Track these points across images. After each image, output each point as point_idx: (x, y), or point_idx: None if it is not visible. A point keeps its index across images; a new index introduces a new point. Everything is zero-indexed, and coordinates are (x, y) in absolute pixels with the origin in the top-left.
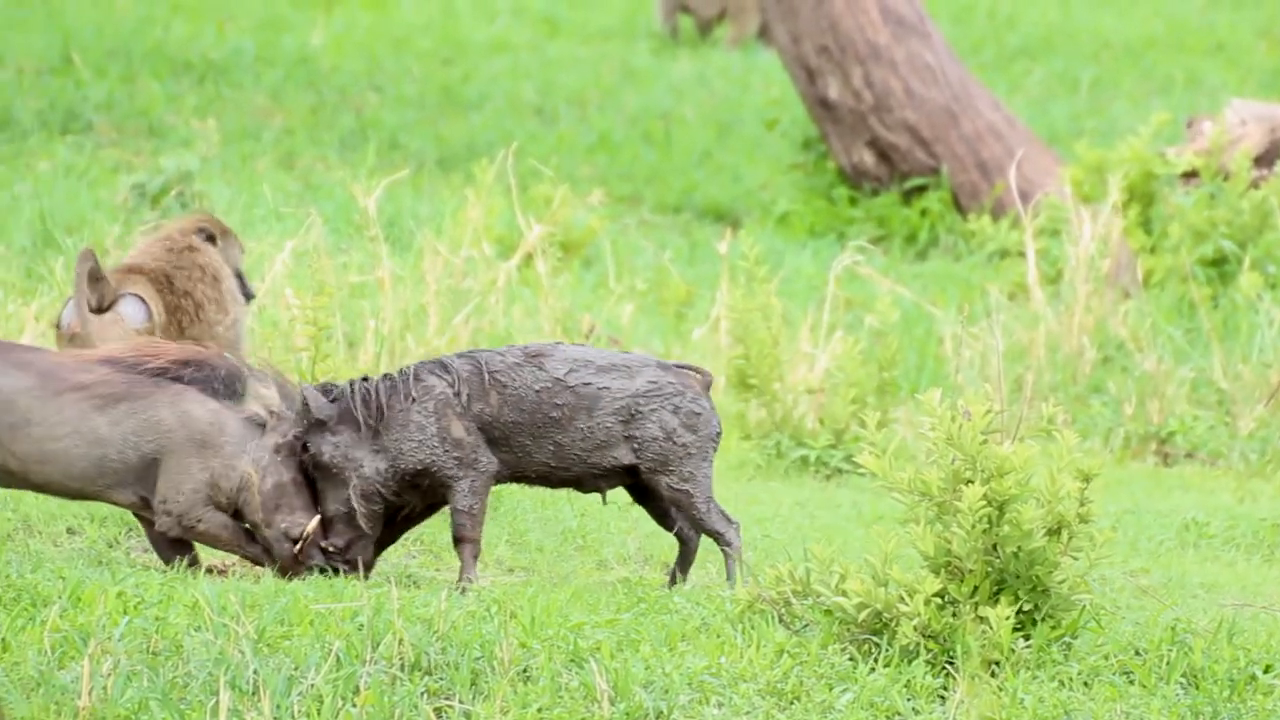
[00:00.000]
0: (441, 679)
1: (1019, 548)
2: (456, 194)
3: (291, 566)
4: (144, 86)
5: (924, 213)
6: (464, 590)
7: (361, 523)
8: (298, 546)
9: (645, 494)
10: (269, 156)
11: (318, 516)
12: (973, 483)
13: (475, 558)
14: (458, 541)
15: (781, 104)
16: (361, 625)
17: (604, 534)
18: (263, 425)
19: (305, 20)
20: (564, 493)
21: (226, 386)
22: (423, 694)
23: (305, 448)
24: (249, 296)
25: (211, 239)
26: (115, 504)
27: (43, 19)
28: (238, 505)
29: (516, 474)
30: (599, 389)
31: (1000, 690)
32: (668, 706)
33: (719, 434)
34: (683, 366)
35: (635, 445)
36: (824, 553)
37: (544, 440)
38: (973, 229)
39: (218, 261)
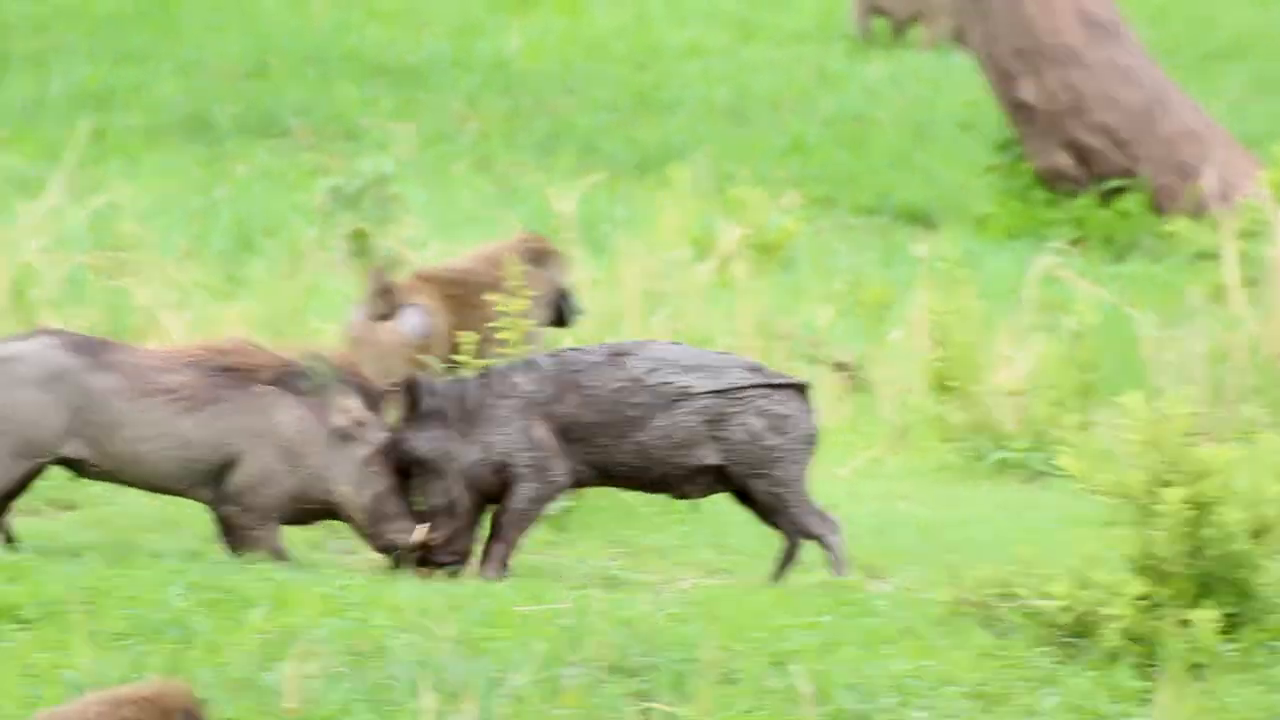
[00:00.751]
0: (644, 681)
1: (1222, 550)
2: (652, 197)
3: (417, 572)
4: (340, 90)
5: (1122, 215)
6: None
7: (461, 514)
8: (410, 553)
9: (744, 496)
10: (465, 160)
11: (424, 525)
12: (1175, 485)
13: (504, 561)
14: (494, 537)
15: (977, 106)
16: (564, 627)
17: None
18: (349, 437)
19: (500, 25)
20: None
21: (313, 392)
22: (625, 696)
23: (399, 444)
24: (565, 319)
25: (533, 257)
26: (197, 500)
27: (240, 24)
28: (325, 513)
29: (603, 474)
30: (679, 387)
31: (1205, 694)
32: (870, 709)
33: (812, 437)
34: (777, 377)
35: (723, 447)
36: (1027, 555)
37: (624, 440)
38: (1171, 231)
39: (527, 280)
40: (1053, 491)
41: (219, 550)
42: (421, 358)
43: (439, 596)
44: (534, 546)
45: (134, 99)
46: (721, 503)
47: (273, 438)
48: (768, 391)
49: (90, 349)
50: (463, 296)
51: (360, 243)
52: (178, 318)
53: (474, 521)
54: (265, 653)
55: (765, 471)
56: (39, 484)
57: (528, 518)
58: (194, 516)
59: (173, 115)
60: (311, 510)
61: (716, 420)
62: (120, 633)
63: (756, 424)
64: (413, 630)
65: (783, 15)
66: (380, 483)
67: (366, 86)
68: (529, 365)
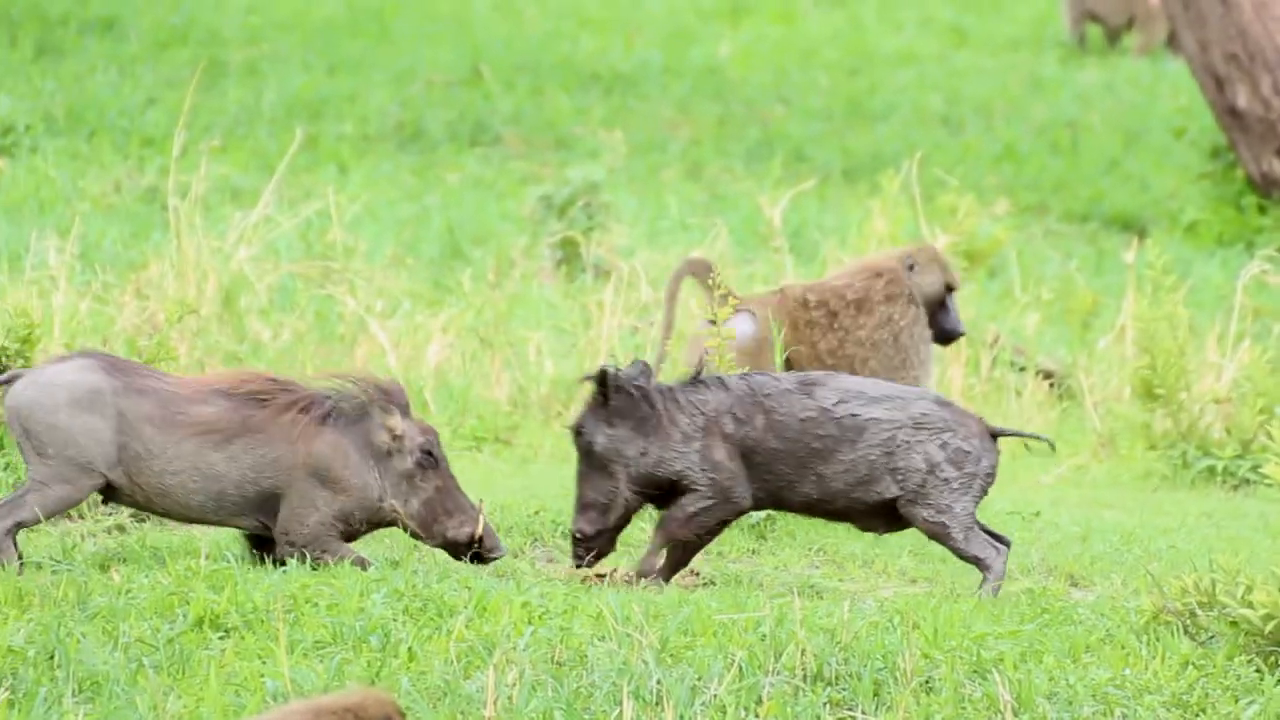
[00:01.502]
0: (844, 689)
1: None
2: (861, 204)
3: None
4: (552, 99)
5: None
6: (640, 578)
7: (615, 516)
8: (472, 544)
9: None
10: (675, 168)
11: (481, 511)
12: None
13: (662, 550)
14: (662, 529)
15: (1190, 112)
16: (764, 635)
17: None
18: (391, 453)
19: (712, 32)
20: None
21: (345, 414)
22: (825, 704)
23: (579, 432)
24: (947, 334)
25: (920, 269)
26: (238, 528)
27: (452, 33)
28: (380, 524)
29: (778, 502)
30: (866, 420)
31: None
32: (1071, 718)
33: (990, 474)
34: (962, 412)
35: (899, 477)
36: (1230, 564)
37: (806, 470)
38: None
39: (909, 293)
40: (1258, 500)
41: (420, 559)
42: (746, 362)
43: (639, 605)
44: (735, 555)
45: (346, 108)
46: None
47: (307, 469)
48: (954, 425)
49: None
50: (824, 311)
51: (569, 251)
52: (386, 326)
53: (623, 525)
54: (465, 661)
55: (933, 500)
56: None
57: (702, 526)
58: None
59: (385, 124)
60: (366, 526)
61: (894, 451)
62: (321, 641)
63: (938, 455)
64: (613, 638)
65: (996, 22)
66: (428, 489)
67: (577, 95)
68: (720, 384)
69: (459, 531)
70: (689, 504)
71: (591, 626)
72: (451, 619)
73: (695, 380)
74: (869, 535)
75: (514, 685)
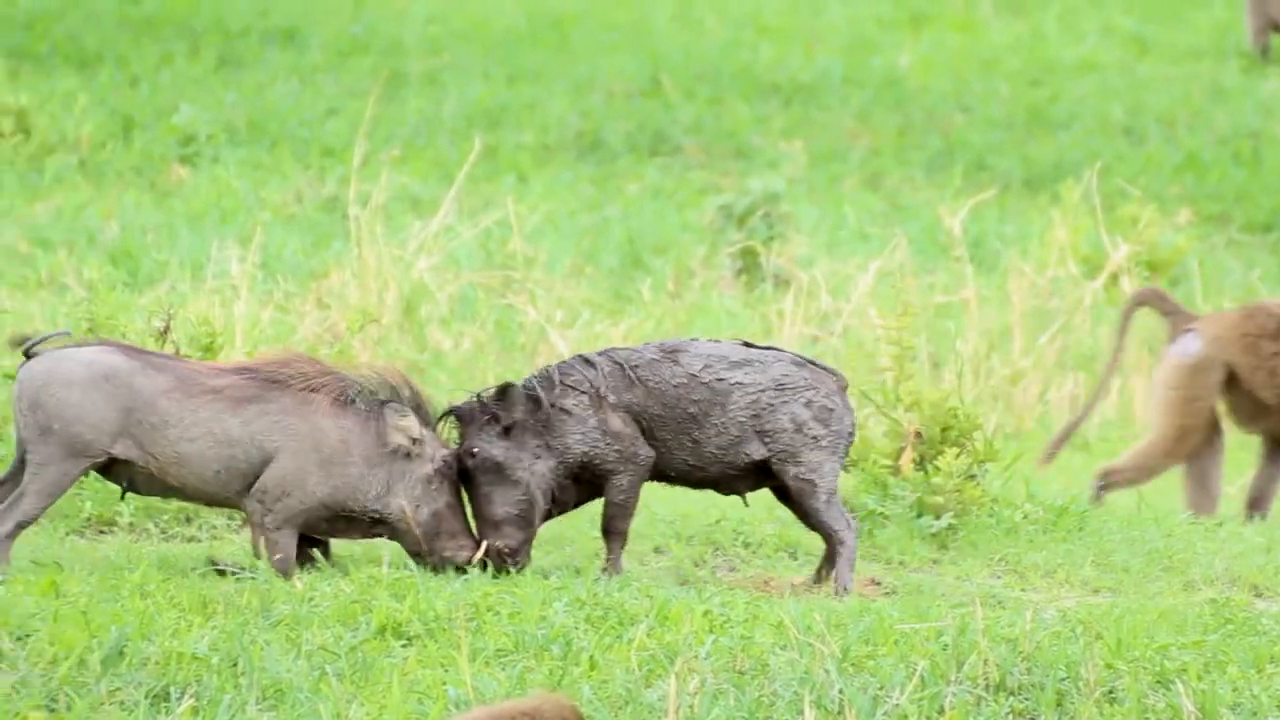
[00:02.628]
0: (1026, 699)
1: None
2: (1042, 214)
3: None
4: (731, 108)
5: None
6: (609, 578)
7: (535, 521)
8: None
9: (786, 494)
10: (855, 177)
11: (484, 544)
12: None
13: (622, 549)
14: (607, 533)
15: None
16: (946, 645)
17: (1190, 554)
18: (409, 455)
19: (893, 41)
20: (1149, 513)
21: (362, 402)
22: (1008, 714)
23: (473, 453)
24: None
25: None
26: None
27: (632, 43)
28: (380, 523)
29: (657, 472)
30: (732, 384)
31: None
32: None
33: (851, 434)
34: (818, 366)
35: (766, 438)
36: None
37: (683, 437)
38: None
39: None
40: None
41: (594, 566)
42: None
43: (820, 613)
44: (917, 564)
45: (526, 118)
46: (1106, 520)
47: (310, 443)
48: (815, 384)
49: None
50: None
51: (749, 260)
52: (565, 335)
53: (538, 528)
54: (647, 669)
55: (803, 458)
56: None
57: (629, 506)
58: (579, 533)
59: (564, 134)
60: (348, 522)
61: (760, 413)
62: (504, 649)
63: (803, 414)
64: (794, 647)
65: (1178, 32)
66: (439, 501)
67: (757, 104)
68: (585, 362)
69: (457, 553)
70: (614, 494)
71: (773, 635)
72: (633, 627)
73: (563, 365)
74: (1051, 545)
75: (695, 694)
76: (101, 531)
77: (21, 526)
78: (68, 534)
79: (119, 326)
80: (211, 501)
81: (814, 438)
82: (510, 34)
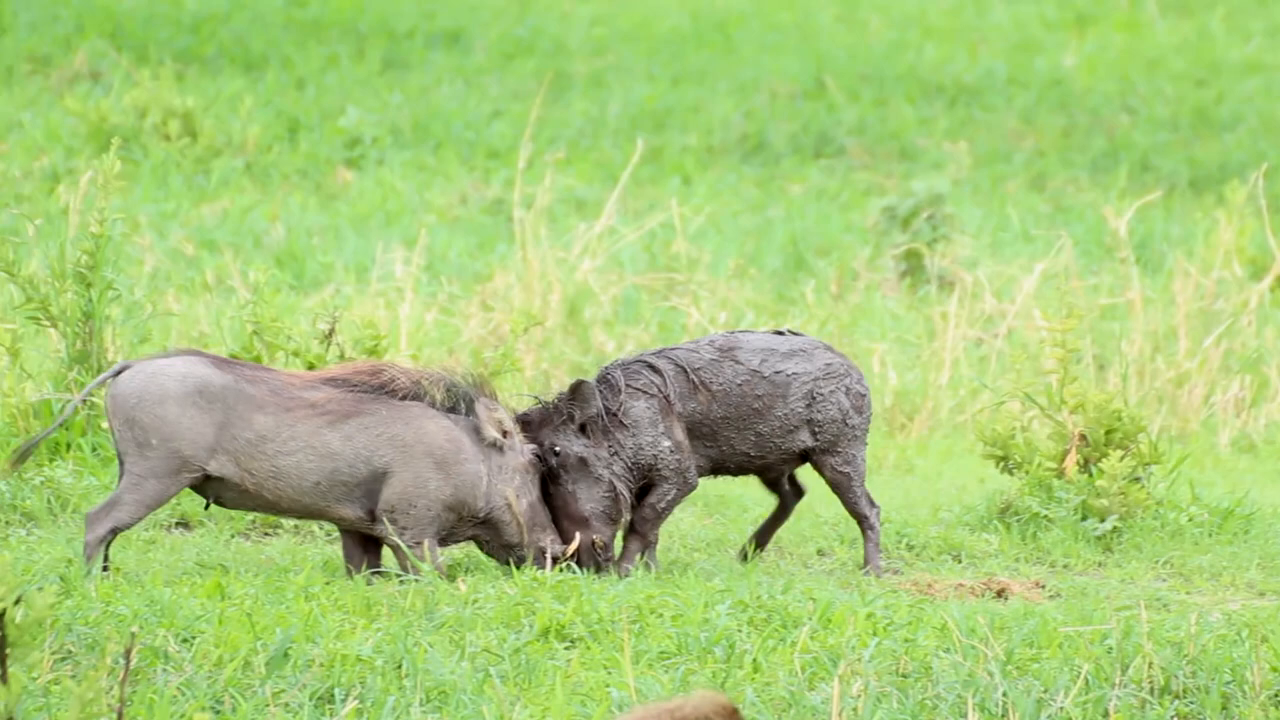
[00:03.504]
0: (1191, 703)
1: None
2: (1207, 215)
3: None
4: (895, 110)
5: None
6: (622, 576)
7: (618, 516)
8: (559, 562)
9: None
10: (1019, 179)
11: (579, 535)
12: None
13: (640, 554)
14: (632, 534)
15: None
16: (1110, 648)
17: None
18: (500, 448)
19: (1057, 42)
20: None
21: (451, 404)
22: (1172, 718)
23: (555, 451)
24: None
25: None
26: (338, 520)
27: (796, 44)
28: (484, 522)
29: (718, 468)
30: (789, 375)
31: None
32: None
33: (869, 419)
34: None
35: (815, 428)
36: None
37: (747, 432)
38: None
39: None
40: None
41: (758, 568)
42: None
43: (984, 616)
44: (1081, 567)
45: (690, 119)
46: (1272, 523)
47: (422, 449)
48: (848, 369)
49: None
50: None
51: (913, 262)
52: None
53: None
54: (810, 672)
55: (842, 450)
56: None
57: (662, 516)
58: (745, 536)
59: (728, 135)
60: (460, 521)
61: (812, 402)
62: (667, 651)
63: (845, 403)
64: (958, 650)
65: None
66: (533, 493)
67: (922, 105)
68: (650, 368)
69: (555, 546)
70: (658, 501)
71: (936, 638)
72: (796, 630)
73: (628, 368)
74: (1216, 548)
75: (859, 697)
76: (266, 534)
77: (115, 532)
78: (233, 536)
79: (284, 329)
80: (305, 514)
81: (852, 428)
82: (675, 35)
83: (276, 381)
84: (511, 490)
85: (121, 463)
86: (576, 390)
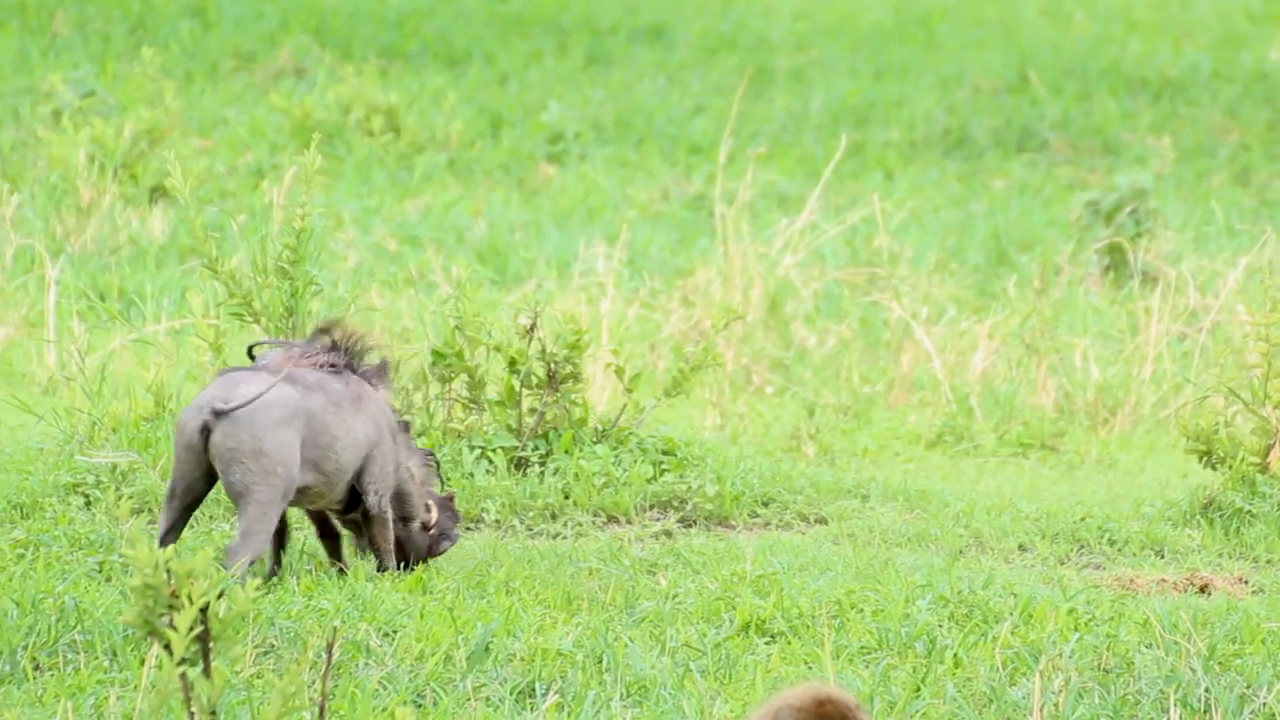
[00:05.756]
0: None
1: None
2: None
3: (423, 556)
4: (1099, 104)
5: None
6: None
7: None
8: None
9: None
10: (1223, 173)
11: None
12: None
13: None
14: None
15: None
16: None
17: None
18: (407, 426)
19: (1262, 35)
20: None
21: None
22: None
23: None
24: None
25: None
26: (334, 505)
27: (999, 38)
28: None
29: None
30: None
31: None
32: None
33: None
34: None
35: None
36: None
37: None
38: None
39: None
40: None
41: (959, 564)
42: None
43: (1186, 612)
44: None
45: (893, 114)
46: None
47: (384, 421)
48: None
49: (296, 377)
50: None
51: (1116, 257)
52: (931, 332)
53: None
54: (1011, 668)
55: None
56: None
57: None
58: (946, 531)
59: (931, 130)
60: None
61: None
62: (867, 647)
63: None
64: (1160, 646)
65: None
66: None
67: (1125, 99)
68: None
69: (427, 515)
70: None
71: (1138, 633)
72: (997, 625)
73: None
74: None
75: (1060, 692)
76: (467, 528)
77: (253, 562)
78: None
79: (485, 324)
80: (328, 509)
81: None
82: (877, 30)
83: (311, 380)
84: (417, 464)
85: (238, 496)
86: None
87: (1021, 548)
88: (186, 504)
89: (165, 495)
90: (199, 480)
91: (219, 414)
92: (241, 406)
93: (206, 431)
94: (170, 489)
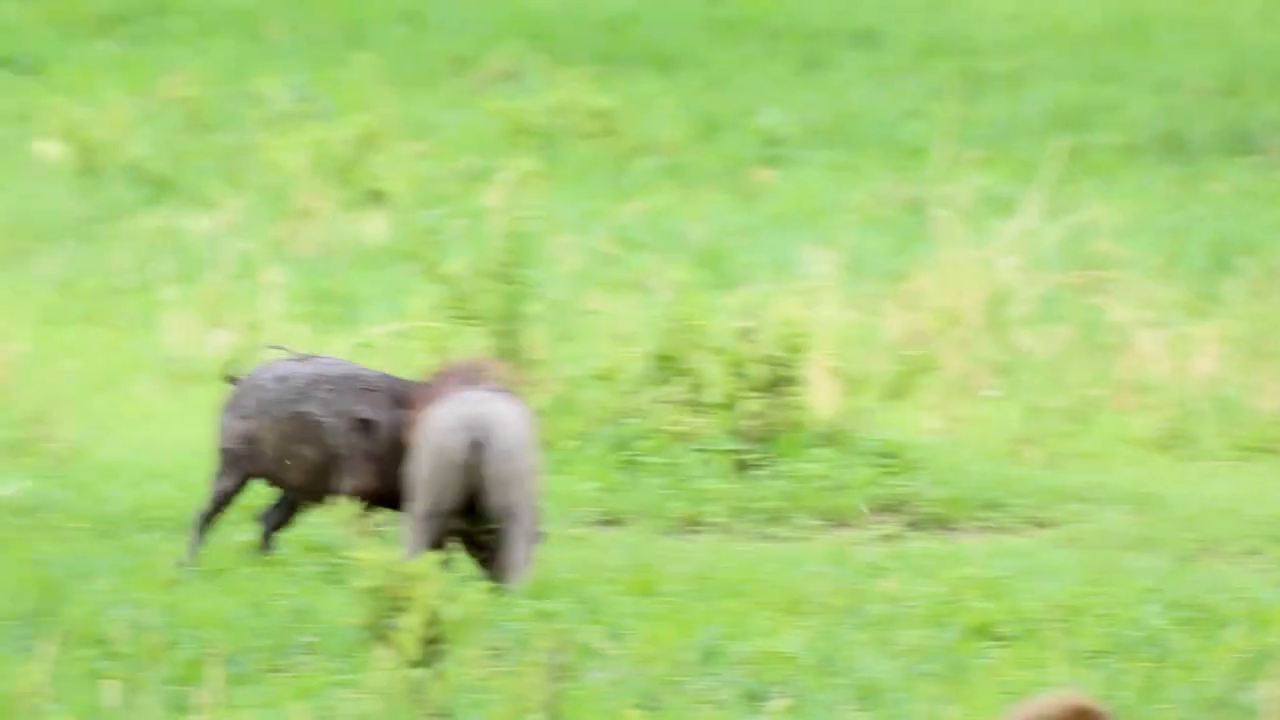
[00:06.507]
0: None
1: None
2: None
3: None
4: None
5: None
6: None
7: None
8: None
9: None
10: None
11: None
12: None
13: None
14: None
15: None
16: None
17: None
18: None
19: None
20: None
21: None
22: None
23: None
24: None
25: None
26: None
27: (1215, 40)
28: None
29: None
30: None
31: None
32: None
33: None
34: None
35: None
36: None
37: None
38: None
39: None
40: None
41: (1190, 568)
42: None
43: None
44: None
45: (1109, 118)
46: None
47: None
48: None
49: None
50: None
51: None
52: (1153, 336)
53: None
54: (1242, 672)
55: None
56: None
57: None
58: (1174, 535)
59: (1147, 133)
60: None
61: None
62: (1096, 650)
63: None
64: None
65: None
66: None
67: None
68: None
69: None
70: None
71: None
72: (1227, 629)
73: None
74: None
75: None
76: (691, 531)
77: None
78: (659, 534)
79: (704, 328)
80: None
81: None
82: (1091, 33)
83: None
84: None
85: (505, 515)
86: None
87: (1251, 552)
88: (444, 524)
89: (417, 515)
90: (459, 498)
91: (484, 435)
92: (506, 430)
93: (475, 451)
94: (427, 509)
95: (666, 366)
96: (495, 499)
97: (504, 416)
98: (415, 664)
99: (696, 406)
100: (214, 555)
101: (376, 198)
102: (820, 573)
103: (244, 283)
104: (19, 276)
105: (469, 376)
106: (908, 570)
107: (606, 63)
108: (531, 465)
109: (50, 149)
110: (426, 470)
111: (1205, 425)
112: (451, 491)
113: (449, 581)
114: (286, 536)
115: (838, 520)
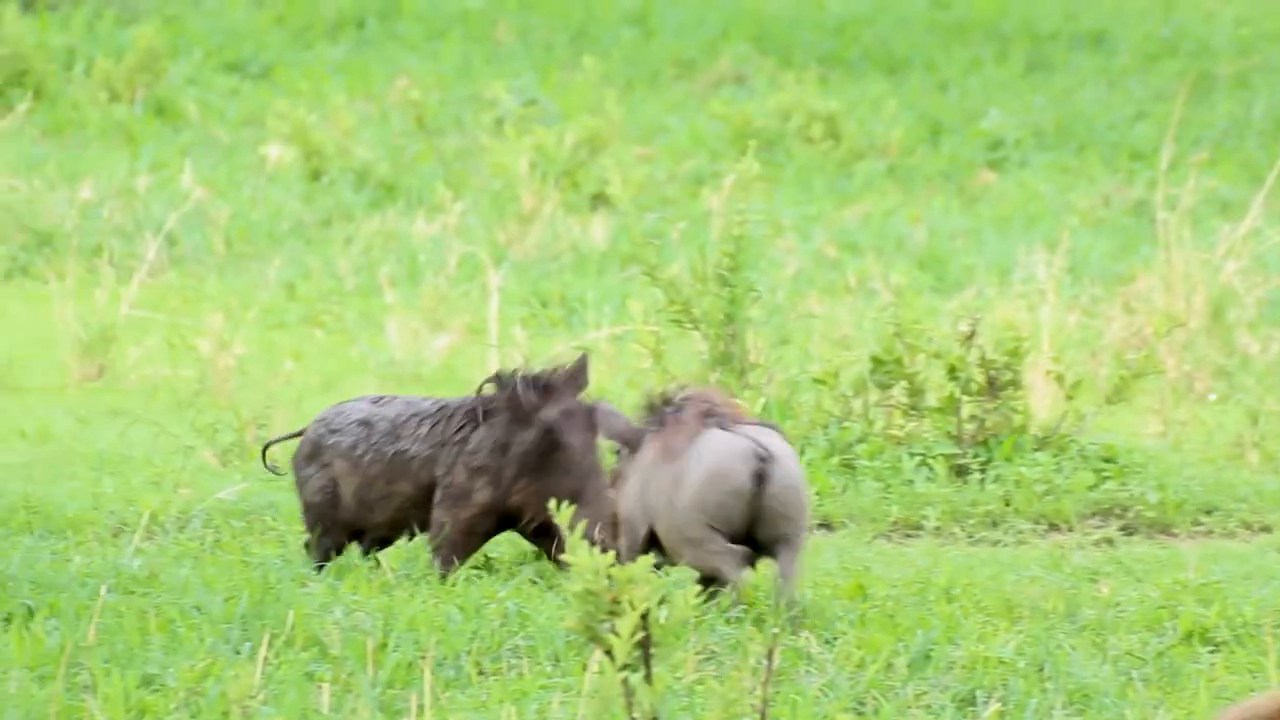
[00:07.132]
0: None
1: None
2: None
3: None
4: None
5: None
6: None
7: None
8: None
9: None
10: None
11: None
12: None
13: None
14: None
15: None
16: None
17: None
18: None
19: None
20: None
21: None
22: None
23: None
24: None
25: None
26: None
27: None
28: None
29: None
30: None
31: None
32: None
33: None
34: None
35: None
36: None
37: None
38: None
39: None
40: None
41: None
42: None
43: None
44: None
45: None
46: None
47: None
48: None
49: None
50: None
51: None
52: None
53: None
54: None
55: None
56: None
57: None
58: None
59: None
60: None
61: None
62: None
63: None
64: None
65: None
66: None
67: None
68: None
69: None
70: None
71: None
72: None
73: None
74: None
75: None
76: (908, 535)
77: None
78: (874, 538)
79: (925, 331)
80: None
81: None
82: None
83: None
84: None
85: (784, 541)
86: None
87: None
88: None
89: (694, 540)
90: (742, 525)
91: (765, 463)
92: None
93: (760, 479)
94: (697, 536)
95: (885, 370)
96: (769, 530)
97: (782, 449)
98: (627, 667)
99: (915, 410)
100: (426, 560)
101: (599, 201)
102: (1035, 577)
103: (466, 286)
104: (244, 279)
105: (710, 409)
106: (1123, 575)
107: (832, 66)
108: (808, 498)
109: (278, 153)
110: (699, 498)
111: None
112: (729, 516)
113: (662, 585)
114: (498, 539)
115: (1054, 524)
